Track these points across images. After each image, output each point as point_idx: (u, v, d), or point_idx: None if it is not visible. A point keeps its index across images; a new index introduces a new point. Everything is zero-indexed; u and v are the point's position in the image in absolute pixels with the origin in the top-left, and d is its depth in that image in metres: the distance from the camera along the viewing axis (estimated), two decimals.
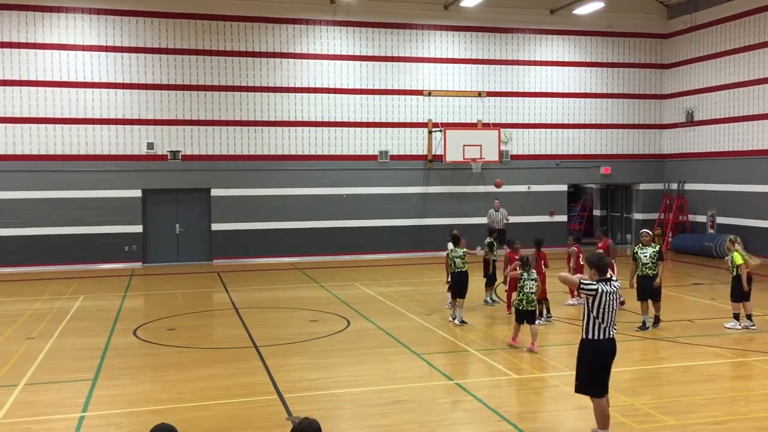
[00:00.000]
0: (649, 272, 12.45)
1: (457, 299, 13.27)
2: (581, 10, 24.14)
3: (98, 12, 21.38)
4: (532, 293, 11.43)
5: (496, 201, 22.54)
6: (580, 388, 7.42)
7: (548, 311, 13.55)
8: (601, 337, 7.20)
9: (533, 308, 11.45)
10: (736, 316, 12.77)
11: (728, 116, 23.59)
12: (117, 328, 13.32)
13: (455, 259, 13.24)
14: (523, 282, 11.51)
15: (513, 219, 22.87)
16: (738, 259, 12.65)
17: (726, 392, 9.14)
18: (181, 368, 10.46)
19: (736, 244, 12.89)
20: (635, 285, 12.67)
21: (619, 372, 10.10)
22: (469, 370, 10.60)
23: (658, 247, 12.59)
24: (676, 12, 25.64)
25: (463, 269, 13.22)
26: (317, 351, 11.42)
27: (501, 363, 10.66)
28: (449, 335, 12.51)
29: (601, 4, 23.52)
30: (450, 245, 13.69)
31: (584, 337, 7.29)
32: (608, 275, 7.36)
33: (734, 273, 12.67)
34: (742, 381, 9.72)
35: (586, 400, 8.81)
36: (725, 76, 23.68)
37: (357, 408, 8.70)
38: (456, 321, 13.18)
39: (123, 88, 21.63)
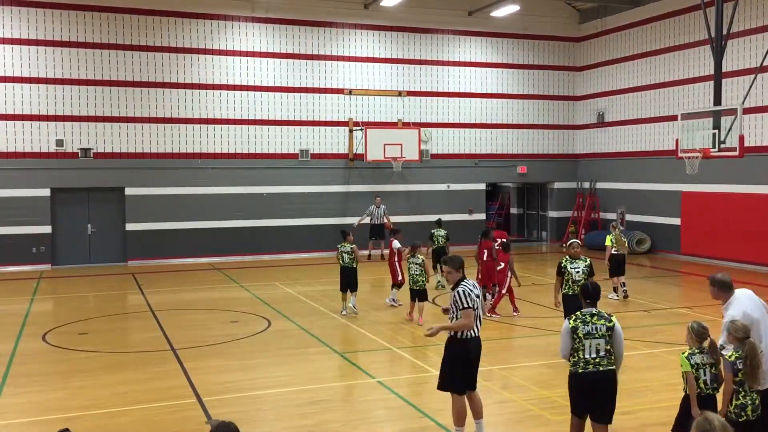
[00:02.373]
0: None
1: (349, 292, 14.04)
2: (498, 13, 24.68)
3: (2, 2, 20.36)
4: (416, 275, 13.26)
5: (377, 198, 22.94)
6: (441, 385, 7.43)
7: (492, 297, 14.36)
8: (464, 336, 7.22)
9: (418, 288, 13.19)
10: (615, 289, 15.43)
11: (636, 117, 24.61)
12: (25, 333, 12.74)
13: (343, 254, 13.88)
14: (409, 265, 13.37)
15: (434, 217, 23.11)
16: (607, 241, 15.52)
17: (635, 383, 9.51)
18: (93, 374, 10.10)
19: (616, 230, 15.68)
20: (561, 303, 10.76)
21: (536, 366, 10.40)
22: (390, 368, 10.66)
23: (588, 261, 10.73)
24: (587, 17, 26.55)
25: (351, 265, 13.85)
26: (237, 352, 11.25)
27: (421, 360, 10.78)
28: (371, 333, 12.55)
29: (517, 8, 24.11)
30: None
31: (450, 334, 7.32)
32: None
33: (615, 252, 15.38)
34: (650, 372, 10.12)
35: (505, 395, 9.03)
36: (633, 79, 24.68)
37: (277, 409, 8.62)
38: (344, 312, 13.96)
39: (30, 83, 20.67)
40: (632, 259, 22.42)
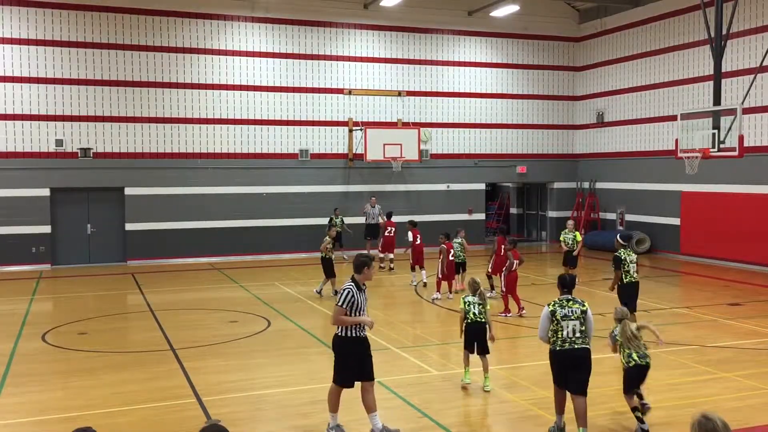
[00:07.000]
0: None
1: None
2: (498, 13, 24.68)
3: (2, 2, 20.36)
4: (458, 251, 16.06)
5: (373, 198, 22.98)
6: (339, 381, 7.79)
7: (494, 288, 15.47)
8: (352, 335, 7.72)
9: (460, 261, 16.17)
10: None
11: (635, 118, 24.61)
12: (24, 332, 12.74)
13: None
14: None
15: (434, 217, 23.21)
16: (578, 237, 17.25)
17: None
18: (93, 373, 10.10)
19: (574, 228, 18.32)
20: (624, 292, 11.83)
21: (537, 366, 10.40)
22: (390, 368, 10.63)
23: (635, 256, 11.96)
24: (587, 17, 26.55)
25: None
26: (237, 352, 11.25)
27: (421, 360, 10.78)
28: (370, 333, 12.51)
29: (517, 8, 24.12)
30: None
31: (341, 334, 7.74)
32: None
33: (574, 247, 16.92)
34: (650, 371, 10.09)
35: (505, 395, 9.04)
36: (633, 79, 24.68)
37: (277, 409, 8.62)
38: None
39: (30, 83, 20.67)
40: None
